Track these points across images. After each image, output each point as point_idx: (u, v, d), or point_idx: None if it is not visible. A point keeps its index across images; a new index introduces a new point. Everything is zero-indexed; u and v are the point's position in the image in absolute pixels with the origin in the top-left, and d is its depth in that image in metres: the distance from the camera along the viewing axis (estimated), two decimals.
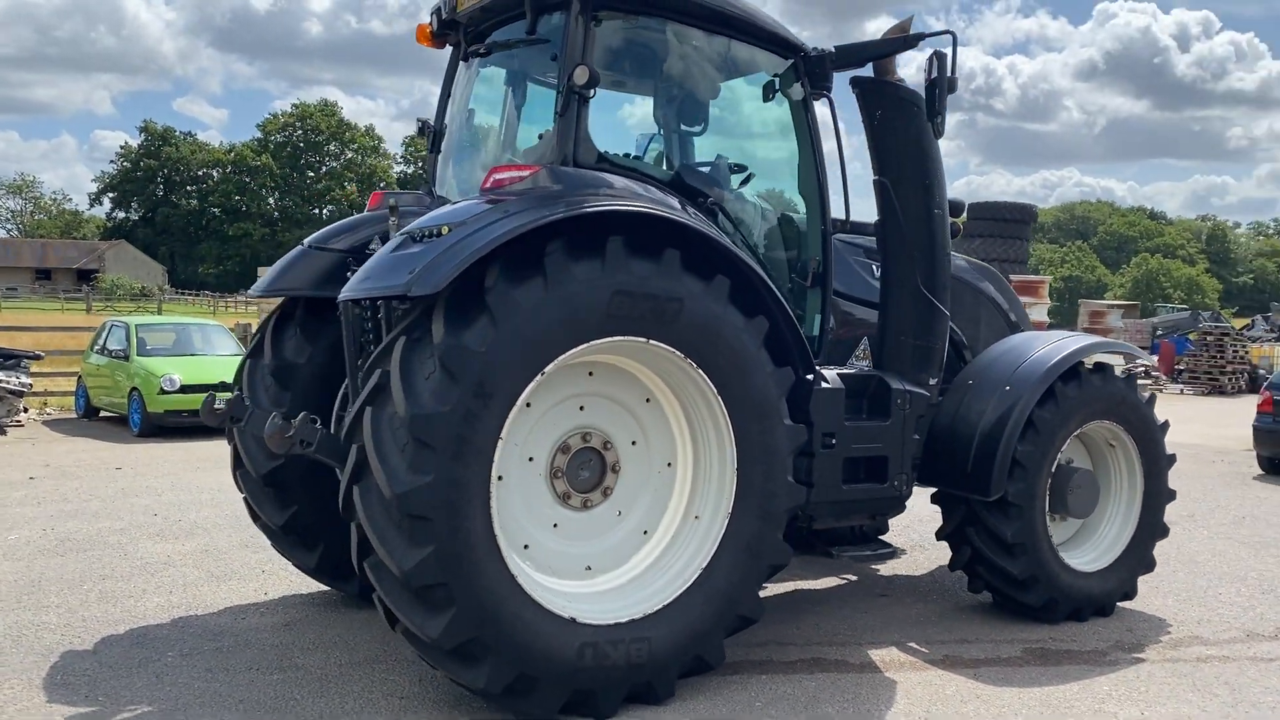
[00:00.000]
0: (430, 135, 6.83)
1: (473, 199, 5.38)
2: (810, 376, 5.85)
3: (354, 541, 4.89)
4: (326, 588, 7.17)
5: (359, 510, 4.74)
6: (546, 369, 4.91)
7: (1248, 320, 43.93)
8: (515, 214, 4.91)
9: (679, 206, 5.60)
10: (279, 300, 6.73)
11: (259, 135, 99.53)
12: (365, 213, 6.67)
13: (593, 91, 5.52)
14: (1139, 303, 45.72)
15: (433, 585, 4.65)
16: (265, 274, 6.54)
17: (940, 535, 7.05)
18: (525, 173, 5.28)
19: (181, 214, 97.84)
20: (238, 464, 6.59)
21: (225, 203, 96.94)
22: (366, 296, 5.12)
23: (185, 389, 15.29)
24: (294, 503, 6.43)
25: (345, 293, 5.09)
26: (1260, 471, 14.48)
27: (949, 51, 5.91)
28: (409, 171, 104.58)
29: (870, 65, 6.49)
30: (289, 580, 7.47)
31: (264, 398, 6.36)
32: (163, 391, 15.17)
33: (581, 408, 5.41)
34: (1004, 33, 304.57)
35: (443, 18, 6.40)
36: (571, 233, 4.95)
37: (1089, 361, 7.06)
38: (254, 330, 18.97)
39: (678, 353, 5.25)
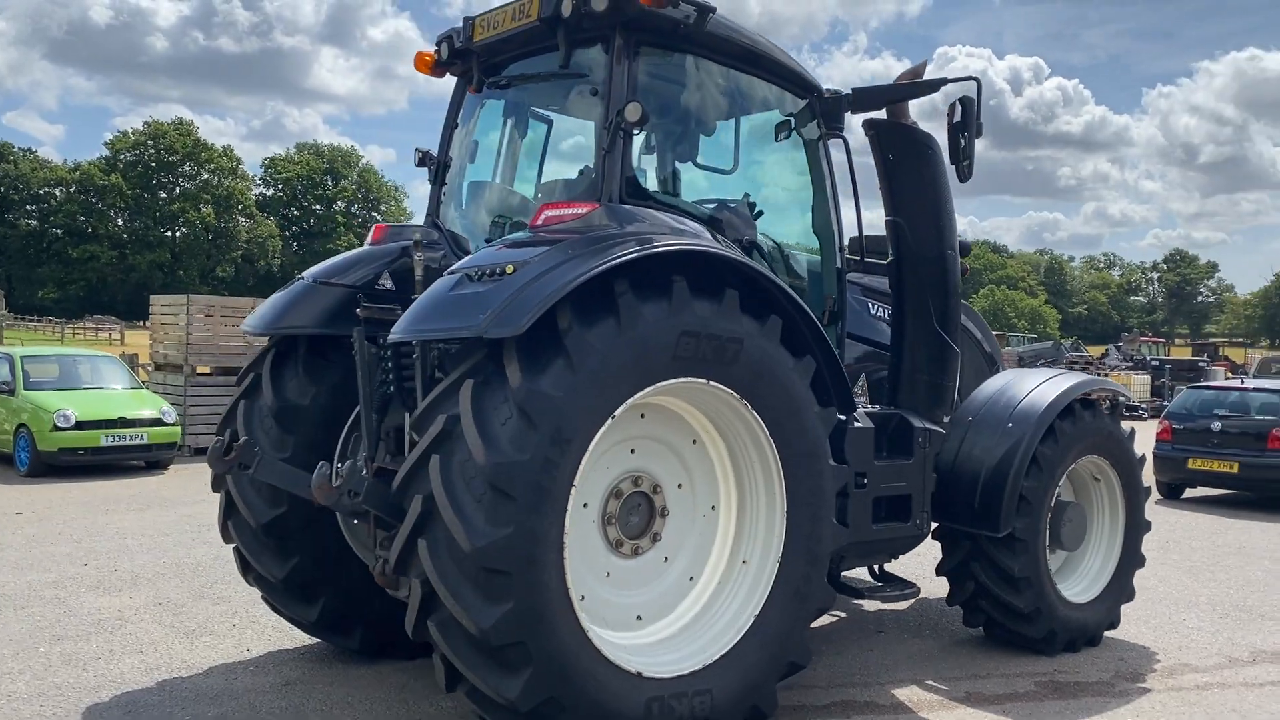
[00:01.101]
0: (435, 167, 6.58)
1: (523, 236, 5.18)
2: (845, 416, 5.84)
3: (416, 597, 4.58)
4: (312, 642, 6.78)
5: (427, 564, 4.45)
6: (616, 413, 4.75)
7: (1103, 349, 46.53)
8: (585, 253, 4.74)
9: (725, 245, 5.53)
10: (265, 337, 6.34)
11: (107, 153, 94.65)
12: (368, 246, 6.36)
13: (638, 129, 5.41)
14: (1004, 333, 47.84)
15: (510, 644, 4.41)
16: (261, 309, 6.13)
17: (941, 571, 7.11)
18: (581, 210, 5.12)
19: (19, 235, 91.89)
20: (230, 513, 6.14)
21: (69, 224, 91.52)
22: (431, 339, 4.84)
23: (81, 425, 14.35)
24: (295, 554, 6.03)
25: (401, 334, 4.80)
26: (1159, 496, 15.25)
27: (975, 97, 6.02)
28: (269, 194, 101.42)
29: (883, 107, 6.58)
30: (266, 635, 7.01)
31: (265, 441, 5.95)
32: (56, 428, 14.16)
33: (632, 451, 5.26)
34: (851, 72, 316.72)
35: (455, 46, 6.19)
36: (637, 272, 4.81)
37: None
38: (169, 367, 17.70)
39: (734, 394, 5.16)
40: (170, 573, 8.72)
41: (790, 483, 5.37)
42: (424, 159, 6.67)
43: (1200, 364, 38.41)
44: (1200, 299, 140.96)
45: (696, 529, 5.50)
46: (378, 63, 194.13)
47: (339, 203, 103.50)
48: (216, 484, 6.28)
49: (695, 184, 6.02)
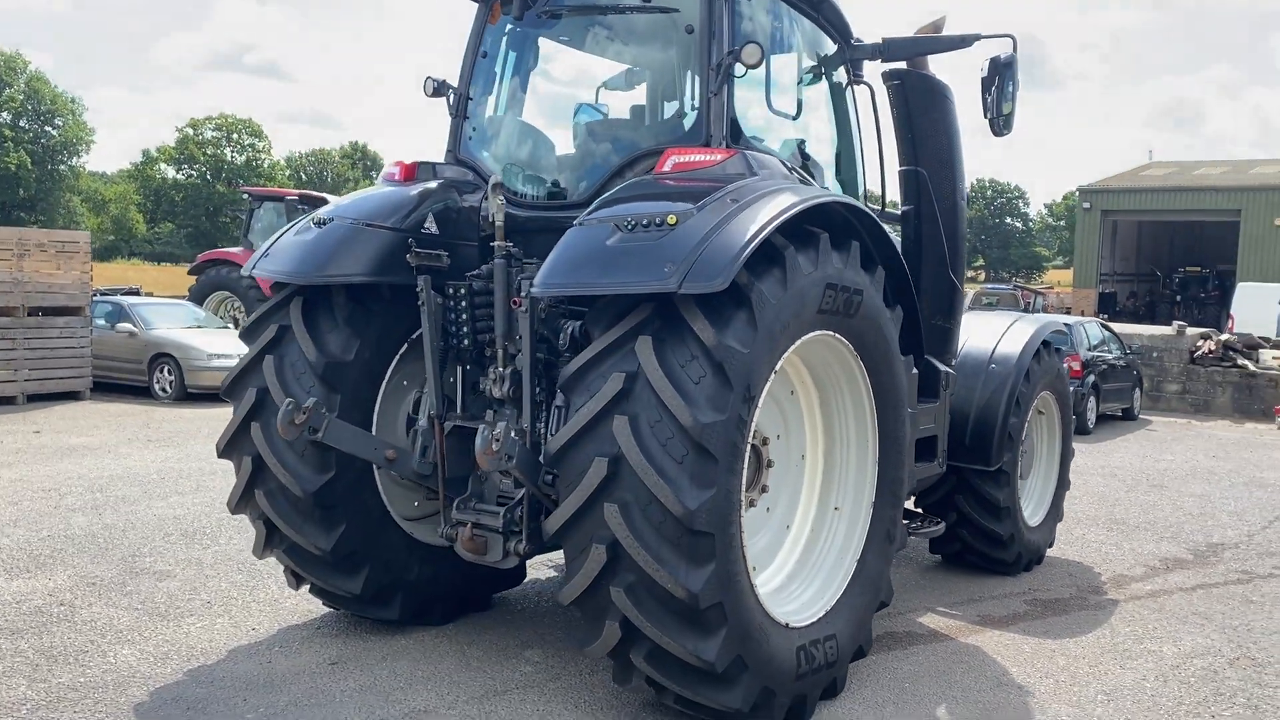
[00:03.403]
0: (457, 99, 6.08)
1: (654, 183, 4.94)
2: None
3: (594, 563, 4.32)
4: (320, 615, 6.29)
5: (619, 529, 4.22)
6: (777, 366, 4.69)
7: None
8: (746, 204, 4.60)
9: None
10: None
11: None
12: (394, 186, 5.82)
13: (745, 73, 5.26)
14: None
15: (712, 605, 4.30)
16: (286, 252, 5.43)
17: (921, 504, 7.53)
18: (717, 156, 4.94)
19: None
20: (258, 481, 5.49)
21: None
22: (603, 293, 4.49)
23: None
24: (341, 522, 5.51)
25: (560, 288, 4.47)
26: None
27: (1012, 54, 6.26)
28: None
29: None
30: (256, 611, 6.38)
31: (305, 401, 5.35)
32: None
33: None
34: None
35: None
36: (790, 225, 4.71)
37: None
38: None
39: (849, 345, 5.20)
40: (69, 548, 7.67)
41: (883, 430, 5.51)
42: (439, 89, 6.13)
43: None
44: None
45: (790, 479, 5.54)
46: None
47: (4, 115, 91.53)
48: (229, 449, 5.63)
49: (771, 129, 5.91)
